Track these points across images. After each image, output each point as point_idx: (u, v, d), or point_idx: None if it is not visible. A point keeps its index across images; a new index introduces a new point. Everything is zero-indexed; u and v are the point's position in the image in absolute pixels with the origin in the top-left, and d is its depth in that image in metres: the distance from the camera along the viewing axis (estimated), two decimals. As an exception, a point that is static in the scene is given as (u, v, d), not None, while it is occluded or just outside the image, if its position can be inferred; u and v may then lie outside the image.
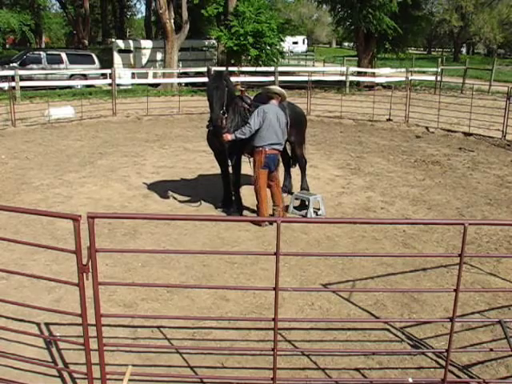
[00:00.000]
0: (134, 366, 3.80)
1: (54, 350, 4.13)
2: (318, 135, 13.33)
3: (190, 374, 3.90)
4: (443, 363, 3.89)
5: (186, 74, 23.03)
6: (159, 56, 25.40)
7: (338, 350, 4.24)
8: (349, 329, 4.52)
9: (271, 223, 6.88)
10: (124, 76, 20.92)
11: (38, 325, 4.47)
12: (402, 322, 4.63)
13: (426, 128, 14.17)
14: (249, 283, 5.29)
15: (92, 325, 3.28)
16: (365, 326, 4.57)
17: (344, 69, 24.02)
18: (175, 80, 21.89)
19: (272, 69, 22.05)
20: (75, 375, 3.78)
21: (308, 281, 5.41)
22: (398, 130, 14.38)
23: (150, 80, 21.42)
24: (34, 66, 21.57)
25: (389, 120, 15.20)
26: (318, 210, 7.52)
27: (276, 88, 7.36)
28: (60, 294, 4.99)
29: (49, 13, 49.63)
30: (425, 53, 60.25)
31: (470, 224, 3.19)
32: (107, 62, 25.11)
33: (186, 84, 22.24)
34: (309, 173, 8.74)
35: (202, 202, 7.95)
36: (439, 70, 23.38)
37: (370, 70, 24.40)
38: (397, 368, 4.01)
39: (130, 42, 27.07)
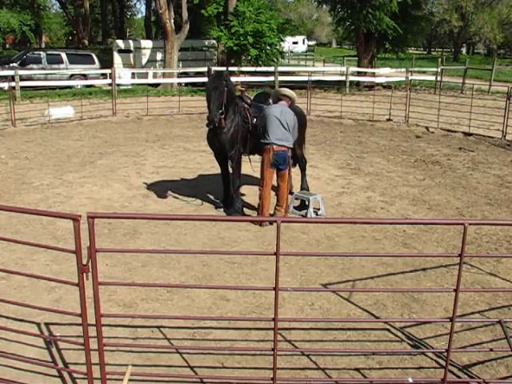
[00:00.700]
0: (134, 365, 3.80)
1: (54, 349, 4.13)
2: (317, 135, 13.33)
3: (190, 374, 3.90)
4: (443, 363, 3.89)
5: (185, 74, 23.02)
6: (159, 56, 25.40)
7: (337, 350, 4.24)
8: (349, 329, 4.52)
9: (271, 223, 6.88)
10: (124, 76, 20.92)
11: (38, 325, 4.47)
12: (402, 322, 4.63)
13: (426, 128, 14.17)
14: (249, 283, 5.29)
15: (92, 325, 3.27)
16: (365, 326, 4.57)
17: (344, 69, 24.02)
18: (175, 80, 21.89)
19: (272, 69, 22.04)
20: (75, 375, 3.79)
21: (308, 281, 5.41)
22: (398, 129, 14.38)
23: (150, 80, 21.41)
24: (34, 66, 21.57)
25: (389, 120, 15.20)
26: (318, 209, 7.52)
27: (286, 90, 7.31)
28: (60, 294, 4.99)
29: (49, 13, 49.73)
30: (425, 53, 60.26)
31: (470, 224, 3.19)
32: (107, 62, 25.11)
33: (186, 84, 22.24)
34: (309, 173, 8.74)
35: (202, 202, 7.95)
36: (439, 69, 23.38)
37: (369, 70, 24.40)
38: (397, 368, 4.01)
39: (130, 42, 27.07)
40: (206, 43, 28.09)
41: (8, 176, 9.13)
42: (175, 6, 24.21)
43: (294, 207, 7.66)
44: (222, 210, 7.64)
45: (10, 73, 17.46)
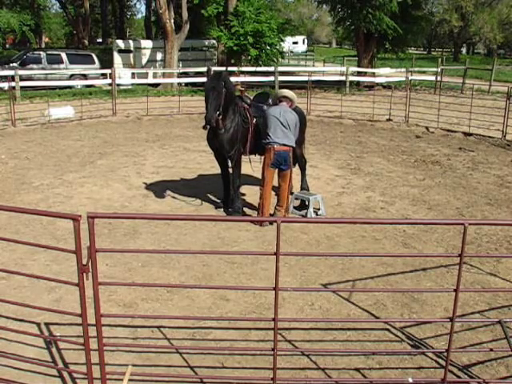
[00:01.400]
0: (134, 365, 3.80)
1: (54, 350, 4.13)
2: (318, 135, 13.33)
3: (190, 374, 3.90)
4: (443, 363, 3.89)
5: (185, 74, 23.03)
6: (159, 56, 25.40)
7: (338, 350, 4.24)
8: (349, 329, 4.52)
9: (271, 223, 6.88)
10: (124, 76, 20.91)
11: (38, 325, 4.47)
12: (402, 322, 4.64)
13: (426, 128, 14.17)
14: (249, 283, 5.29)
15: (92, 325, 3.28)
16: (365, 326, 4.57)
17: (344, 69, 24.02)
18: (175, 80, 21.89)
19: (272, 69, 22.04)
20: (75, 375, 3.79)
21: (308, 281, 5.41)
22: (398, 129, 14.38)
23: (150, 80, 21.40)
24: (34, 66, 21.57)
25: (389, 120, 15.20)
26: (318, 209, 7.52)
27: (286, 91, 7.31)
28: (60, 293, 4.99)
29: (49, 13, 49.76)
30: (425, 53, 60.25)
31: (470, 224, 3.19)
32: (107, 62, 25.12)
33: (186, 84, 22.25)
34: (309, 173, 8.74)
35: (202, 202, 7.96)
36: (439, 69, 23.38)
37: (369, 70, 24.39)
38: (397, 368, 4.01)
39: (130, 42, 27.07)
40: (206, 43, 28.10)
41: (8, 176, 9.13)
42: (175, 6, 24.21)
43: (294, 207, 7.67)
44: (222, 209, 7.64)
45: (10, 73, 17.45)
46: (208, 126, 6.87)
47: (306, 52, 51.55)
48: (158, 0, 22.38)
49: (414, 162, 10.71)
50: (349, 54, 41.64)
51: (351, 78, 22.61)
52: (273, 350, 3.38)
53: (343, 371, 3.96)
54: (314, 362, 4.06)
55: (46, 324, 4.48)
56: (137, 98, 18.09)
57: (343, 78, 22.60)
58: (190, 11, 24.04)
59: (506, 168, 10.29)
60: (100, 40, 55.54)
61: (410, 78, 17.99)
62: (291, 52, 47.10)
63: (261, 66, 22.72)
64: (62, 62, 22.49)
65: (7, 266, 5.43)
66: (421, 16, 26.18)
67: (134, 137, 12.84)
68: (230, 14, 22.75)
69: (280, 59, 25.40)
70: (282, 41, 24.64)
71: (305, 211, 7.44)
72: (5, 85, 15.74)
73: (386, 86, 23.01)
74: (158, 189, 8.42)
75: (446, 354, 3.56)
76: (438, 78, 22.60)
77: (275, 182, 7.21)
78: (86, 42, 38.68)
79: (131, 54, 25.56)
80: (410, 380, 3.78)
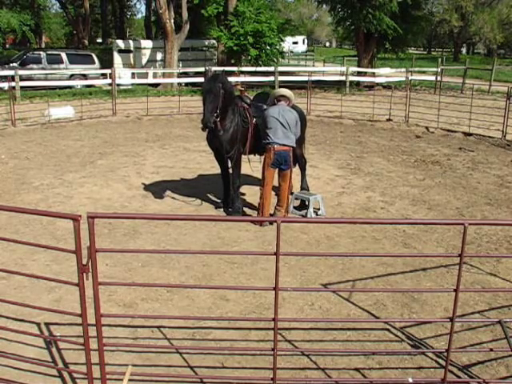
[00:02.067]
0: (134, 366, 3.80)
1: (54, 349, 4.13)
2: (318, 135, 13.33)
3: (190, 374, 3.90)
4: (443, 363, 3.89)
5: (185, 74, 23.03)
6: (159, 56, 25.40)
7: (337, 350, 4.24)
8: (349, 329, 4.52)
9: (271, 223, 6.88)
10: (124, 76, 20.91)
11: (38, 325, 4.47)
12: (402, 322, 4.63)
13: (426, 128, 14.17)
14: (249, 283, 5.29)
15: (92, 325, 3.28)
16: (365, 326, 4.57)
17: (344, 69, 24.02)
18: (175, 80, 21.89)
19: (272, 69, 22.04)
20: (75, 375, 3.78)
21: (308, 281, 5.41)
22: (398, 130, 14.38)
23: (150, 80, 21.41)
24: (34, 66, 21.57)
25: (389, 120, 15.20)
26: (318, 209, 7.52)
27: (283, 90, 7.30)
28: (60, 294, 4.99)
29: (49, 13, 49.75)
30: (425, 53, 60.26)
31: (469, 224, 3.19)
32: (107, 62, 25.13)
33: (186, 84, 22.25)
34: (309, 173, 8.74)
35: (202, 202, 7.96)
36: (439, 69, 23.37)
37: (369, 70, 24.40)
38: (397, 368, 4.01)
39: (130, 42, 27.08)
40: (206, 43, 28.10)
41: (8, 176, 9.13)
42: (175, 6, 24.21)
43: (294, 207, 7.66)
44: (222, 210, 7.65)
45: (10, 73, 17.46)
46: (206, 128, 6.89)
47: (306, 52, 51.55)
48: (158, 0, 22.38)
49: (414, 162, 10.71)
50: (349, 54, 41.64)
51: (351, 78, 22.62)
52: (273, 350, 3.38)
53: (343, 371, 3.96)
54: (314, 362, 4.06)
55: (46, 324, 4.48)
56: (137, 98, 18.10)
57: (343, 77, 22.60)
58: (190, 11, 24.05)
59: (506, 168, 10.29)
60: (100, 40, 55.54)
61: (409, 77, 17.99)
62: (291, 52, 47.11)
63: (261, 65, 22.72)
64: (61, 62, 22.49)
65: (7, 266, 5.43)
66: (421, 16, 26.18)
67: (134, 137, 12.85)
68: (230, 14, 22.76)
69: (280, 59, 25.41)
70: (282, 41, 24.65)
71: (305, 211, 7.44)
72: (5, 85, 15.74)
73: (386, 86, 23.00)
74: (158, 189, 8.42)
75: (446, 354, 3.56)
76: (438, 78, 22.60)
77: (275, 182, 7.21)
78: (86, 41, 38.68)
79: (131, 54, 25.57)
80: (410, 380, 3.78)
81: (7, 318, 4.55)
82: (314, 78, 21.28)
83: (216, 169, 8.26)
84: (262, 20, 22.42)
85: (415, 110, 14.64)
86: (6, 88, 15.26)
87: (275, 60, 23.92)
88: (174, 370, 3.91)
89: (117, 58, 25.29)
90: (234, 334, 4.43)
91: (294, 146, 6.99)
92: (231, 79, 18.91)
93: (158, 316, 4.57)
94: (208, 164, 9.85)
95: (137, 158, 10.59)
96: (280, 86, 19.39)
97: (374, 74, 24.03)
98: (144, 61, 25.49)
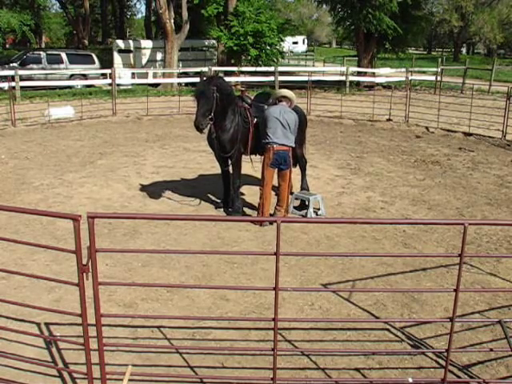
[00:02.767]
0: (134, 366, 3.80)
1: (54, 349, 4.13)
2: (318, 135, 13.33)
3: (190, 374, 3.90)
4: (443, 363, 3.89)
5: (185, 74, 23.02)
6: (159, 56, 25.40)
7: (337, 350, 4.24)
8: (349, 329, 4.52)
9: (271, 223, 6.88)
10: (124, 76, 20.91)
11: (38, 325, 4.47)
12: (402, 322, 4.64)
13: (426, 128, 14.17)
14: (249, 283, 5.29)
15: (92, 325, 3.28)
16: (365, 326, 4.57)
17: (344, 69, 24.01)
18: (175, 80, 21.89)
19: (272, 69, 22.03)
20: (75, 375, 3.79)
21: (308, 281, 5.41)
22: (398, 129, 14.38)
23: (150, 80, 21.40)
24: (34, 66, 21.57)
25: (389, 120, 15.20)
26: (318, 209, 7.52)
27: (285, 91, 7.29)
28: (60, 294, 4.99)
29: (49, 13, 49.76)
30: (425, 53, 60.23)
31: (469, 224, 3.19)
32: (107, 62, 25.13)
33: (186, 84, 22.23)
34: (309, 173, 8.74)
35: (202, 201, 7.96)
36: (439, 69, 23.37)
37: (369, 70, 24.38)
38: (397, 368, 4.01)
39: (130, 42, 27.08)
40: (206, 43, 28.11)
41: (8, 176, 9.13)
42: (175, 6, 24.21)
43: (294, 207, 7.67)
44: (222, 209, 7.65)
45: (10, 73, 17.45)
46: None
47: (306, 52, 51.55)
48: (158, 0, 22.37)
49: (414, 162, 10.71)
50: (349, 54, 41.63)
51: (351, 78, 22.61)
52: (273, 350, 3.38)
53: (343, 371, 3.96)
54: (314, 362, 4.06)
55: (46, 324, 4.48)
56: (137, 98, 18.09)
57: (343, 77, 22.60)
58: (190, 11, 24.04)
59: (506, 168, 10.29)
60: (100, 40, 55.53)
61: (409, 77, 17.99)
62: (291, 52, 47.10)
63: (261, 66, 22.73)
64: (61, 62, 22.49)
65: (7, 266, 5.43)
66: (421, 16, 26.17)
67: (134, 137, 12.84)
68: (230, 14, 22.76)
69: (280, 59, 25.41)
70: (282, 41, 24.65)
71: (305, 211, 7.44)
72: (5, 85, 15.74)
73: (386, 86, 23.00)
74: (158, 189, 8.42)
75: (446, 354, 3.56)
76: (438, 78, 22.59)
77: (275, 182, 7.21)
78: (86, 41, 38.67)
79: (131, 54, 25.56)
80: (410, 380, 3.78)
81: (7, 318, 4.55)
82: (313, 78, 21.28)
83: (216, 169, 8.26)
84: (261, 20, 22.42)
85: (415, 110, 14.63)
86: (6, 88, 15.26)
87: (275, 60, 23.92)
88: (173, 370, 3.91)
89: (117, 58, 25.28)
90: (234, 334, 4.43)
91: (294, 146, 7.00)
92: (231, 79, 18.96)
93: (157, 316, 4.57)
94: (208, 164, 9.85)
95: (137, 158, 10.59)
96: (280, 86, 19.40)
97: (374, 74, 24.02)
98: (144, 61, 25.49)
